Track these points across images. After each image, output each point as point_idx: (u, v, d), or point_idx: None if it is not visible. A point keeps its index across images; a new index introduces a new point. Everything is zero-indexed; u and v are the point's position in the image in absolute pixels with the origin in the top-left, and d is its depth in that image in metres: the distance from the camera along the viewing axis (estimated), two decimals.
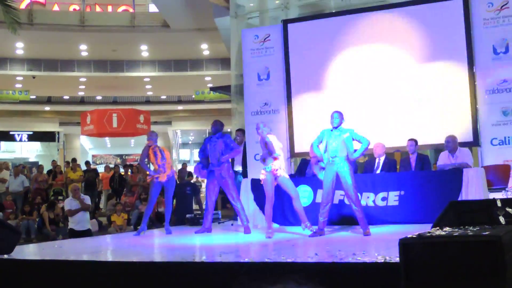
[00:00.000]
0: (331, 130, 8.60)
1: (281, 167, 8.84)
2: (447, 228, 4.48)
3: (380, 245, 6.94)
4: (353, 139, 8.54)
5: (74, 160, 19.20)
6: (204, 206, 11.06)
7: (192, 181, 16.92)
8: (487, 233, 4.08)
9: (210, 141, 9.88)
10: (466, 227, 4.56)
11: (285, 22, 12.88)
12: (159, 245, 8.83)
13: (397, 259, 4.28)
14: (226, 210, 14.66)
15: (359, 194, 9.01)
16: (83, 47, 27.45)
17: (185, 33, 24.82)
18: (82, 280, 6.02)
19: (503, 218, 4.91)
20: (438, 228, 4.59)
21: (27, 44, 26.22)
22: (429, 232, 4.41)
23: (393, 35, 11.89)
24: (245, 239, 8.68)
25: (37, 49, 27.18)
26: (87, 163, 20.06)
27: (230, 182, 9.72)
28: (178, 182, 14.07)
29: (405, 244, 4.07)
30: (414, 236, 4.25)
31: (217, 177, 9.71)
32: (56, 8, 26.81)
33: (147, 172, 11.13)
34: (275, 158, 8.80)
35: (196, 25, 23.82)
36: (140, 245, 8.42)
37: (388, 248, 6.15)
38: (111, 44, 26.94)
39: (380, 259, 5.01)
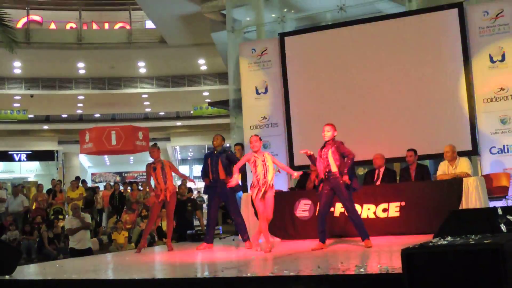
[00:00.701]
0: (324, 144, 8.58)
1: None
2: (449, 238, 4.48)
3: (383, 256, 6.92)
4: (339, 153, 8.44)
5: (77, 178, 19.21)
6: (205, 222, 11.05)
7: (192, 197, 16.89)
8: (489, 241, 4.08)
9: (211, 156, 9.87)
10: (468, 236, 4.55)
11: (282, 35, 12.91)
12: (160, 262, 8.79)
13: (400, 270, 4.27)
14: (227, 225, 14.64)
15: (357, 206, 9.01)
16: (80, 65, 27.51)
17: (182, 48, 24.89)
18: None
19: (504, 226, 4.91)
20: (440, 237, 4.58)
21: (25, 63, 26.28)
22: (431, 242, 4.40)
23: (390, 45, 11.92)
24: (247, 254, 8.65)
25: (34, 68, 27.24)
26: (83, 182, 20.02)
27: (231, 197, 9.72)
28: (178, 198, 14.07)
29: (407, 254, 4.07)
30: (416, 246, 4.24)
31: (219, 192, 9.71)
32: (53, 26, 26.93)
33: (147, 189, 11.17)
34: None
35: (193, 41, 23.89)
36: (141, 262, 8.39)
37: (390, 259, 6.14)
38: (108, 61, 27.01)
39: (382, 270, 5.00)
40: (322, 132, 8.55)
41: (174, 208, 10.23)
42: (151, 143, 11.69)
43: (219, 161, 9.75)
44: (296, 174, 9.13)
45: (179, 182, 19.50)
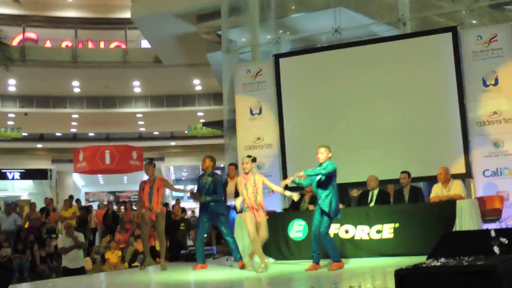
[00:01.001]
0: (319, 166, 8.59)
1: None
2: (442, 259, 4.49)
3: (376, 277, 6.93)
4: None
5: (70, 197, 19.17)
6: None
7: (186, 217, 16.86)
8: (482, 263, 4.10)
9: (201, 177, 9.96)
10: (461, 257, 4.57)
11: (277, 57, 12.99)
12: (154, 282, 8.78)
13: None
14: (221, 246, 14.60)
15: (351, 226, 9.03)
16: (75, 83, 27.55)
17: (177, 68, 24.97)
18: None
19: (497, 248, 4.93)
20: (433, 259, 4.60)
21: (19, 80, 26.30)
22: (424, 263, 4.42)
23: (384, 68, 12.01)
24: (241, 274, 8.64)
25: (29, 86, 27.25)
26: (77, 201, 19.99)
27: (223, 218, 9.77)
28: (172, 218, 14.06)
29: (400, 275, 4.08)
30: (409, 267, 4.26)
31: (210, 212, 9.74)
32: (48, 44, 27.00)
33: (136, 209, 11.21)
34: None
35: (188, 61, 23.98)
36: (135, 282, 8.38)
37: (384, 280, 6.15)
38: (103, 80, 27.05)
39: None
40: (317, 154, 8.59)
41: (163, 228, 10.18)
42: (145, 161, 11.60)
43: (211, 184, 9.81)
44: (289, 193, 8.95)
45: (173, 202, 19.47)
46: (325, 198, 8.32)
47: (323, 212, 8.31)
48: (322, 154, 8.54)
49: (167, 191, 35.10)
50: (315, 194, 8.55)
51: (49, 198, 20.67)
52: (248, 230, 8.77)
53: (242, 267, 9.15)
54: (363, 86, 12.09)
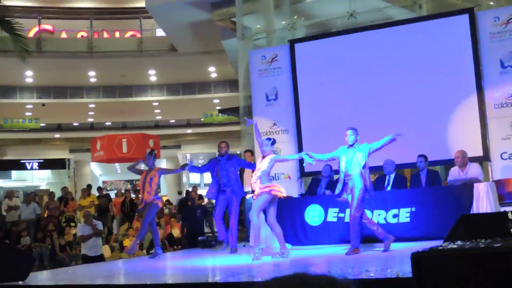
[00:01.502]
0: (347, 148, 8.60)
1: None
2: (459, 242, 4.48)
3: (393, 261, 6.93)
4: (370, 154, 8.60)
5: (88, 186, 19.35)
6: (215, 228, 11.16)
7: (202, 204, 16.92)
8: (499, 245, 4.08)
9: (219, 163, 10.02)
10: (478, 240, 4.55)
11: (292, 42, 12.95)
12: (171, 267, 8.83)
13: (410, 275, 4.28)
14: (238, 232, 14.64)
15: (367, 211, 9.02)
16: (91, 73, 27.64)
17: (193, 56, 24.95)
18: None
19: None
20: (449, 241, 4.59)
21: (36, 72, 26.43)
22: (441, 246, 4.41)
23: (400, 52, 11.94)
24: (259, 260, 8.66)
25: (46, 77, 27.38)
26: (99, 189, 20.16)
27: (236, 201, 9.98)
28: (188, 205, 14.14)
29: (417, 258, 4.07)
30: (426, 250, 4.25)
31: (228, 195, 9.93)
32: (64, 35, 27.08)
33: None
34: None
35: (203, 48, 23.94)
36: (153, 268, 8.43)
37: (401, 264, 6.14)
38: (119, 70, 27.10)
39: (392, 275, 5.01)
40: (346, 136, 8.59)
41: (149, 218, 10.18)
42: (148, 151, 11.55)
43: (229, 166, 9.96)
44: (307, 158, 8.68)
45: (190, 189, 19.52)
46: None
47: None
48: (352, 136, 8.59)
49: (184, 178, 35.21)
50: (352, 177, 8.48)
51: (66, 188, 20.86)
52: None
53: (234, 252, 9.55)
54: (379, 70, 12.03)
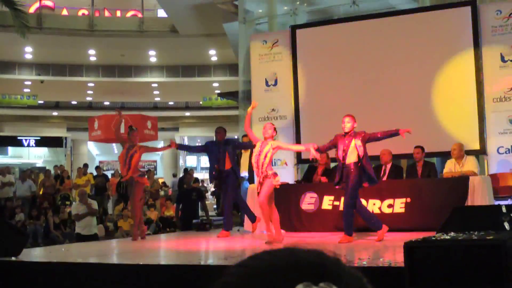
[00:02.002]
0: (343, 135, 8.55)
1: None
2: (452, 233, 4.50)
3: (386, 250, 6.95)
4: (367, 142, 8.50)
5: (84, 165, 19.37)
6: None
7: (198, 187, 16.94)
8: (491, 237, 4.10)
9: (216, 147, 9.95)
10: (471, 232, 4.57)
11: (294, 28, 12.91)
12: (165, 249, 8.85)
13: (402, 264, 4.30)
14: (233, 217, 14.66)
15: (363, 201, 9.03)
16: (91, 51, 27.56)
17: (194, 38, 24.89)
18: (88, 282, 6.05)
19: (507, 224, 4.92)
20: (443, 233, 4.60)
21: (36, 48, 26.35)
22: (434, 236, 4.42)
23: (401, 41, 11.91)
24: (253, 243, 8.69)
25: (45, 54, 27.30)
26: (97, 168, 20.16)
27: (232, 185, 9.89)
28: (184, 187, 14.16)
29: (409, 247, 4.09)
30: (419, 239, 4.27)
31: (224, 178, 9.85)
32: (65, 12, 26.97)
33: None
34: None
35: (204, 31, 23.89)
36: (146, 249, 8.45)
37: (394, 253, 6.17)
38: (119, 49, 27.04)
39: (385, 264, 5.03)
40: (342, 123, 8.53)
41: (137, 198, 9.87)
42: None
43: (226, 152, 9.85)
44: (313, 151, 8.40)
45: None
46: None
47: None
48: (348, 123, 8.50)
49: (181, 161, 35.22)
50: (347, 165, 8.40)
51: (62, 166, 20.86)
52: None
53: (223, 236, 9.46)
54: (379, 60, 12.01)
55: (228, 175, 9.80)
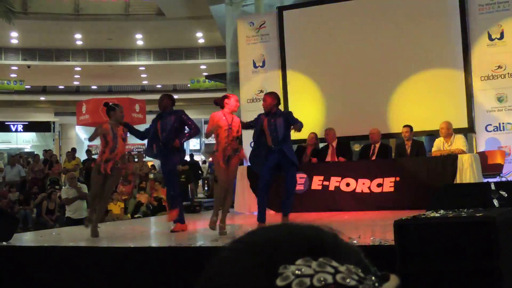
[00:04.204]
0: (266, 115, 8.03)
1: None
2: (441, 211, 4.53)
3: (376, 229, 7.00)
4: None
5: (73, 149, 19.32)
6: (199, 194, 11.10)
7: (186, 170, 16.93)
8: (481, 214, 4.13)
9: (161, 118, 8.29)
10: (461, 209, 4.60)
11: (280, 9, 12.87)
12: (155, 231, 8.86)
13: (393, 242, 4.32)
14: None
15: (352, 180, 9.06)
16: (77, 36, 27.38)
17: (180, 21, 24.77)
18: (80, 266, 6.06)
19: (496, 201, 4.96)
20: (432, 210, 4.64)
21: (22, 33, 26.14)
22: (423, 214, 4.45)
23: (388, 21, 11.89)
24: (243, 225, 8.71)
25: (31, 39, 27.10)
26: (88, 151, 20.13)
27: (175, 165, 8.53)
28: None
29: (399, 226, 4.12)
30: (409, 218, 4.29)
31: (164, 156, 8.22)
32: None
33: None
34: None
35: (191, 13, 23.77)
36: (136, 231, 8.46)
37: (383, 232, 6.20)
38: (106, 33, 26.87)
39: (375, 242, 5.06)
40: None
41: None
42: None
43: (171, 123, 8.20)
44: None
45: None
46: None
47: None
48: (265, 101, 8.03)
49: None
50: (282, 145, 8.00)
51: (51, 150, 20.79)
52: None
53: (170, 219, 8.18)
54: (366, 40, 11.99)
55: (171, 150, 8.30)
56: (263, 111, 8.22)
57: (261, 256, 0.71)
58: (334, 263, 0.69)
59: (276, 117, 7.96)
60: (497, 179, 10.01)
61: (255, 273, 0.70)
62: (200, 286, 0.74)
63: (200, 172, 21.71)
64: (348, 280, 0.68)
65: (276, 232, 0.75)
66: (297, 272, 0.67)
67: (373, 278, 0.70)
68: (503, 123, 10.90)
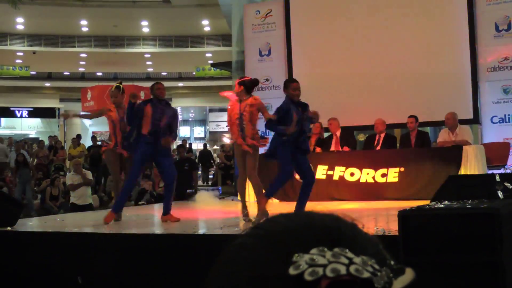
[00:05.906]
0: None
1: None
2: (446, 202, 4.52)
3: (380, 219, 7.00)
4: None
5: (78, 136, 19.32)
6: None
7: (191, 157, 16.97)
8: (485, 205, 4.12)
9: (153, 105, 7.99)
10: (465, 200, 4.60)
11: None
12: (159, 218, 8.87)
13: (396, 233, 4.32)
14: (227, 187, 14.73)
15: (356, 170, 9.04)
16: (83, 22, 27.36)
17: (186, 8, 24.73)
18: (84, 252, 6.08)
19: (501, 193, 4.95)
20: (437, 201, 4.63)
21: (28, 19, 26.13)
22: (428, 205, 4.45)
23: (395, 10, 11.86)
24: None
25: (37, 25, 27.09)
26: (93, 138, 20.14)
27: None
28: (176, 158, 14.18)
29: (404, 216, 4.11)
30: (413, 208, 4.29)
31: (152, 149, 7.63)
32: None
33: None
34: None
35: (197, 1, 23.74)
36: (141, 218, 8.48)
37: (387, 222, 6.21)
38: (111, 20, 26.84)
39: (379, 232, 5.06)
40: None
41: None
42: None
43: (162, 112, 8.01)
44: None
45: (179, 143, 19.54)
46: None
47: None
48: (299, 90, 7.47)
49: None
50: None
51: (56, 136, 20.82)
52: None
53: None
54: (373, 29, 11.96)
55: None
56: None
57: (276, 244, 0.71)
58: (350, 254, 0.69)
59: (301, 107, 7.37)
60: (501, 171, 10.00)
61: (269, 260, 0.70)
62: (215, 271, 0.75)
63: (212, 161, 21.80)
64: (361, 272, 0.67)
65: (295, 220, 0.76)
66: (310, 261, 0.67)
67: (388, 270, 0.69)
68: (508, 115, 10.88)
